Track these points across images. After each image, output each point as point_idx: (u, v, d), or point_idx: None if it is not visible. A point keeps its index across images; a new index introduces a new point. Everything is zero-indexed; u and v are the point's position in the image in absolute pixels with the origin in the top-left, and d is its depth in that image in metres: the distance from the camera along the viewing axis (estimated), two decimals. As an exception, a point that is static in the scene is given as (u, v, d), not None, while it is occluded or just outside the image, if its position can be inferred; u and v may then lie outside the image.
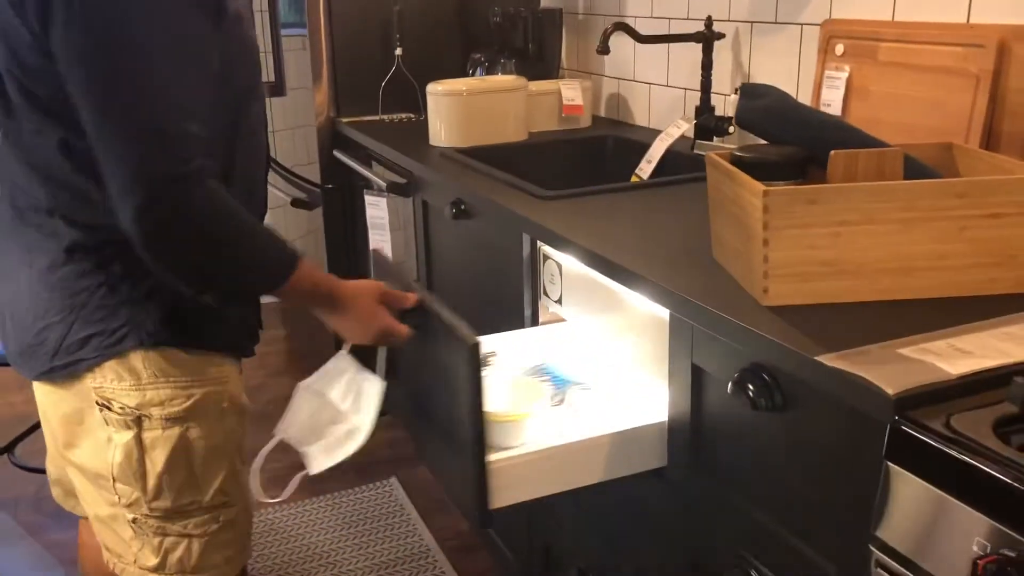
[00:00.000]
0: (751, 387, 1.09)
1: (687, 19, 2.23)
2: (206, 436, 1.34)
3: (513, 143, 2.30)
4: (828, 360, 0.96)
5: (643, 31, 2.22)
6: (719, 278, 1.24)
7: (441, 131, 2.27)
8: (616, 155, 2.33)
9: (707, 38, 2.06)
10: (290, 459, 1.42)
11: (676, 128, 2.11)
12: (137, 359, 1.29)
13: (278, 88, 3.00)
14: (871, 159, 1.19)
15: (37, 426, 2.66)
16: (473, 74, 2.65)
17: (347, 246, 2.80)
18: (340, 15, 2.68)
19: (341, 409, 1.39)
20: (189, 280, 1.20)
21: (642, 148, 2.17)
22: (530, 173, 2.10)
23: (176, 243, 1.14)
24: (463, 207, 1.92)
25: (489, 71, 2.63)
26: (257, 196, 1.38)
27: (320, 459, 1.38)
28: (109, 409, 1.30)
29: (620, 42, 2.13)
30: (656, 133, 2.18)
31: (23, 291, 1.31)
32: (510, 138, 2.30)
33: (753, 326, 1.07)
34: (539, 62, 2.66)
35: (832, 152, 1.18)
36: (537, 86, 2.43)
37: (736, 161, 1.24)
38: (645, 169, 2.13)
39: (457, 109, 2.25)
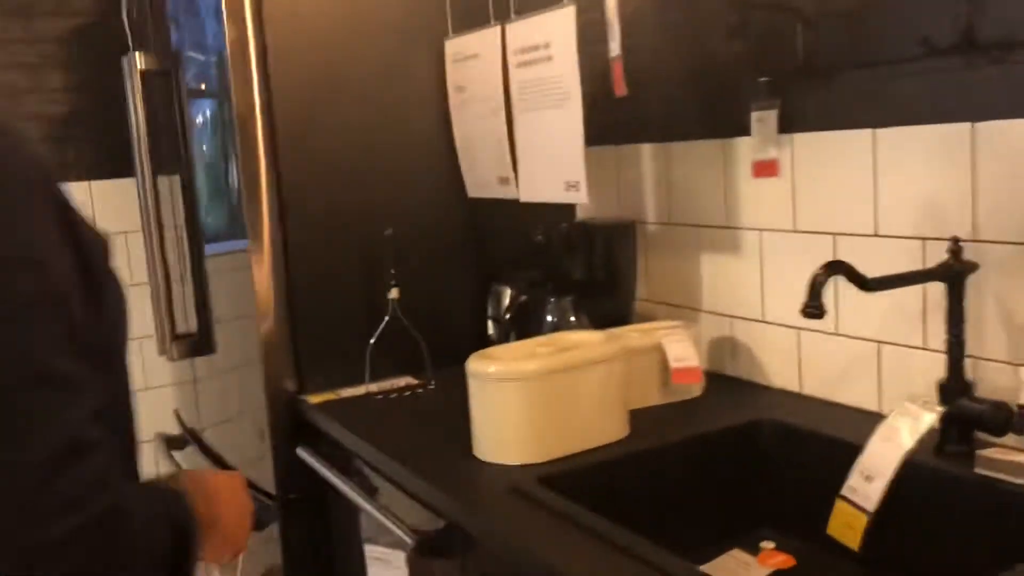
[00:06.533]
0: None
1: (905, 237, 1.41)
2: None
3: (611, 449, 1.39)
4: None
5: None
6: None
7: (494, 441, 1.36)
8: (780, 454, 1.43)
9: (954, 273, 1.23)
10: None
11: (909, 417, 1.25)
12: None
13: (203, 343, 2.02)
14: None
15: None
16: (508, 315, 1.77)
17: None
18: (299, 227, 1.78)
19: None
20: None
21: (822, 442, 1.32)
22: (651, 509, 1.20)
23: None
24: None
25: (534, 307, 1.76)
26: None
27: None
28: None
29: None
30: (839, 410, 1.33)
31: None
32: (608, 439, 1.40)
33: None
34: (604, 295, 1.80)
35: None
36: (627, 337, 1.55)
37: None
38: (866, 493, 1.24)
39: (522, 399, 1.34)
